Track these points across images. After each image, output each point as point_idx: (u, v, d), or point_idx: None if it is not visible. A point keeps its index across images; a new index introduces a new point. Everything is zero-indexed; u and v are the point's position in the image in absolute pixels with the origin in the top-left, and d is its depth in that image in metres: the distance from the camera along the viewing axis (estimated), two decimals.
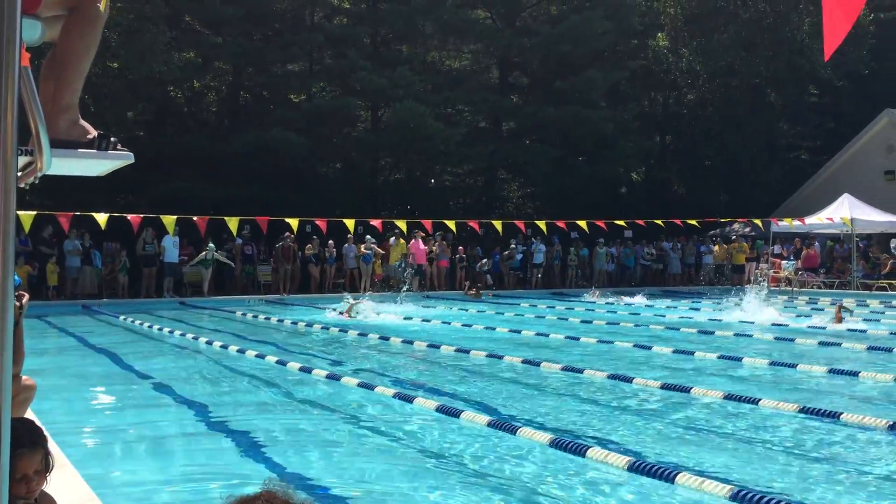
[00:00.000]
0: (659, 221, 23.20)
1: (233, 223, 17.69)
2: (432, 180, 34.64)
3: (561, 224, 22.22)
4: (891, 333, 12.83)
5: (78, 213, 16.72)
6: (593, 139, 32.59)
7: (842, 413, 6.34)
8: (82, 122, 2.84)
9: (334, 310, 17.32)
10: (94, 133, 2.82)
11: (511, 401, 7.53)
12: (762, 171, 36.12)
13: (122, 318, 15.90)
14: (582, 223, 21.22)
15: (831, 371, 8.72)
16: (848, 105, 37.94)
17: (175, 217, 17.51)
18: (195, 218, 17.89)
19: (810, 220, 25.70)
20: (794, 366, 9.11)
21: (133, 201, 25.19)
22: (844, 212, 24.78)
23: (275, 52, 29.94)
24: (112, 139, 2.83)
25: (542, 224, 21.29)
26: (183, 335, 12.74)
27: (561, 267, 28.10)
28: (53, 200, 20.42)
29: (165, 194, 24.47)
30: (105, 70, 24.34)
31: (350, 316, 16.49)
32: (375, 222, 21.07)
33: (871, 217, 25.19)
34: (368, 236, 23.89)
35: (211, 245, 21.91)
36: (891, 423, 5.98)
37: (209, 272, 22.09)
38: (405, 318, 16.27)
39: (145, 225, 20.10)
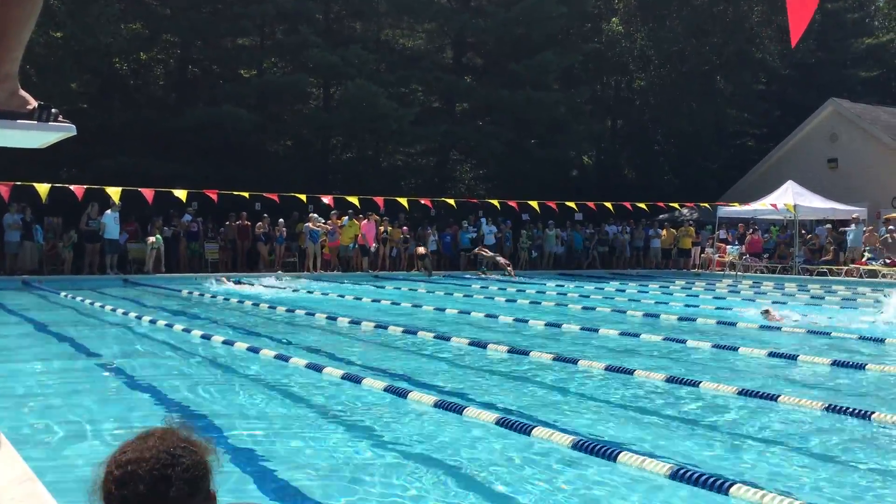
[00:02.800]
0: (608, 204, 23.46)
1: (182, 195, 17.37)
2: (384, 160, 34.51)
3: (513, 204, 22.35)
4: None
5: (18, 183, 16.26)
6: (546, 122, 32.73)
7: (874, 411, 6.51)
8: (22, 92, 2.76)
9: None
10: (34, 104, 2.75)
11: (458, 381, 7.58)
12: (710, 157, 36.74)
13: (63, 294, 15.58)
14: (534, 203, 21.38)
15: None
16: (793, 93, 38.75)
17: (120, 189, 17.09)
18: (142, 189, 17.51)
19: (755, 205, 26.26)
20: None
21: (77, 176, 24.59)
22: (788, 198, 25.35)
23: (225, 26, 29.40)
24: (53, 110, 2.76)
25: (495, 202, 21.38)
26: (125, 313, 12.53)
27: (513, 249, 28.28)
28: None
29: (110, 169, 23.94)
30: (49, 40, 23.67)
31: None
32: (327, 198, 20.89)
33: (813, 204, 25.81)
34: (315, 214, 23.73)
35: (158, 237, 21.65)
36: (827, 404, 6.16)
37: (153, 254, 21.71)
38: (355, 298, 16.24)
39: (89, 198, 19.65)
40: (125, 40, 25.97)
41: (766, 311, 12.84)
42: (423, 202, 23.82)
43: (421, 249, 24.61)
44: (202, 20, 28.69)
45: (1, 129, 2.65)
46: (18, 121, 2.70)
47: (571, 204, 23.02)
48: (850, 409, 5.98)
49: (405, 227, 26.10)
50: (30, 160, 20.49)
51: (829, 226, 26.56)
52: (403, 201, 21.57)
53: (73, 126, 2.80)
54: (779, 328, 11.49)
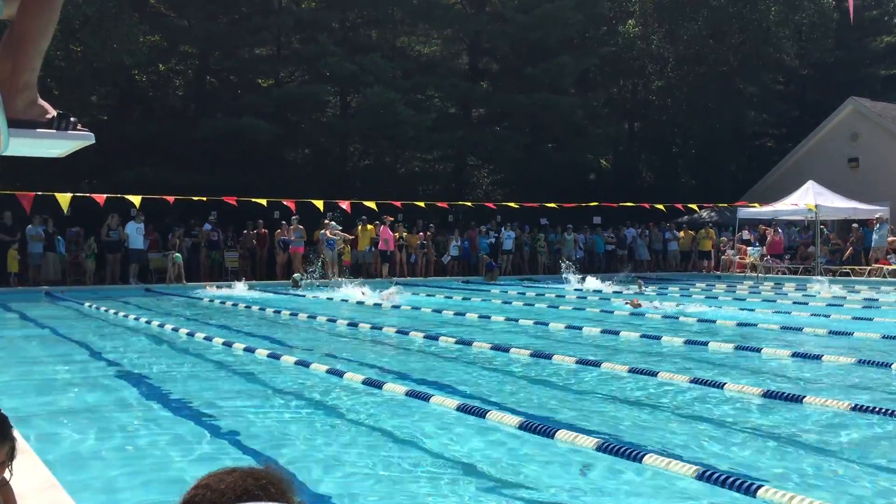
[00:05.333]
0: (628, 203, 23.32)
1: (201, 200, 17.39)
2: (401, 166, 34.54)
3: (532, 205, 22.29)
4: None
5: (40, 193, 16.38)
6: (563, 126, 32.66)
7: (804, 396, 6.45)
8: (41, 101, 2.77)
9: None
10: (53, 113, 2.76)
11: (480, 385, 7.55)
12: (729, 158, 36.50)
13: (86, 304, 15.70)
14: (552, 205, 21.33)
15: None
16: (813, 93, 38.46)
17: (140, 197, 17.15)
18: (163, 196, 17.59)
19: (776, 206, 26.04)
20: None
21: (97, 187, 24.82)
22: (809, 198, 25.12)
23: (242, 36, 29.57)
24: (72, 119, 2.77)
25: (513, 205, 21.35)
26: (148, 322, 12.60)
27: (530, 254, 28.22)
28: (15, 185, 20.06)
29: (130, 180, 24.12)
30: (69, 54, 23.91)
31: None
32: (345, 204, 20.91)
33: (834, 203, 25.56)
34: (334, 222, 23.79)
35: (177, 254, 21.62)
36: (853, 404, 6.08)
37: (175, 269, 21.75)
38: (374, 305, 16.26)
39: (109, 207, 19.80)
40: (144, 53, 26.18)
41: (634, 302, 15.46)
42: (439, 205, 23.79)
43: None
44: (220, 31, 28.88)
45: (21, 137, 2.65)
46: (38, 130, 2.71)
47: (592, 203, 22.93)
48: (877, 409, 5.91)
49: (421, 234, 26.12)
50: (51, 172, 20.72)
51: (855, 225, 26.29)
52: (421, 204, 21.62)
53: (92, 134, 2.80)
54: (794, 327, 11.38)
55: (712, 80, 35.48)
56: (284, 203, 19.39)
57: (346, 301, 17.18)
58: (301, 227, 23.42)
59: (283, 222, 23.90)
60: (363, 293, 17.78)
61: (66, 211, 16.86)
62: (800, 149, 32.20)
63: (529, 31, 31.69)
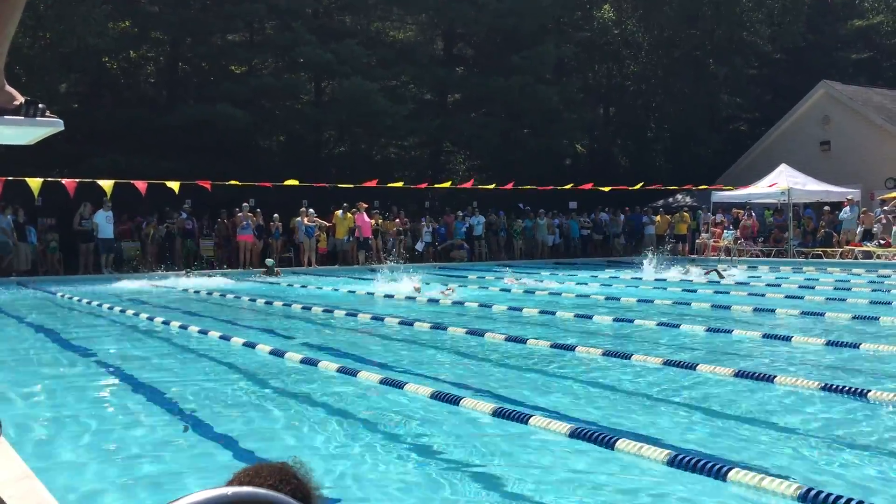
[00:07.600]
0: (605, 189, 23.36)
1: (175, 186, 17.19)
2: (377, 153, 34.41)
3: (505, 188, 22.31)
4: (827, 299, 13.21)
5: (10, 179, 16.13)
6: (539, 111, 32.66)
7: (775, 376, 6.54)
8: (8, 88, 2.73)
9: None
10: (20, 99, 2.72)
11: (454, 371, 7.57)
12: (703, 143, 36.74)
13: (58, 294, 15.57)
14: (527, 188, 21.36)
15: None
16: (785, 77, 38.73)
17: (112, 182, 16.93)
18: (135, 182, 17.38)
19: (749, 189, 26.27)
20: None
21: (69, 175, 24.52)
22: (782, 181, 25.36)
23: (214, 23, 29.25)
24: (40, 105, 2.74)
25: (489, 187, 21.37)
26: (122, 311, 12.51)
27: (506, 239, 28.26)
28: None
29: (102, 168, 23.83)
30: (36, 42, 23.55)
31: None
32: (322, 184, 20.83)
33: (807, 187, 25.83)
34: (311, 210, 23.72)
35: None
36: (823, 383, 6.18)
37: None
38: (348, 292, 16.24)
39: (81, 194, 19.55)
40: (113, 39, 25.82)
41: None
42: (415, 188, 23.76)
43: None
44: (191, 17, 28.55)
45: None
46: (6, 117, 2.67)
47: (567, 187, 22.97)
48: (846, 388, 6.00)
49: (397, 220, 26.07)
50: (22, 160, 20.41)
51: (827, 208, 26.59)
52: (399, 184, 21.59)
53: (61, 121, 2.77)
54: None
55: (686, 64, 35.65)
56: (258, 185, 19.26)
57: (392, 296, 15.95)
58: (251, 214, 23.16)
59: (258, 210, 23.74)
60: (416, 288, 15.68)
61: (36, 197, 16.63)
62: (772, 132, 32.46)
63: (504, 16, 31.60)
